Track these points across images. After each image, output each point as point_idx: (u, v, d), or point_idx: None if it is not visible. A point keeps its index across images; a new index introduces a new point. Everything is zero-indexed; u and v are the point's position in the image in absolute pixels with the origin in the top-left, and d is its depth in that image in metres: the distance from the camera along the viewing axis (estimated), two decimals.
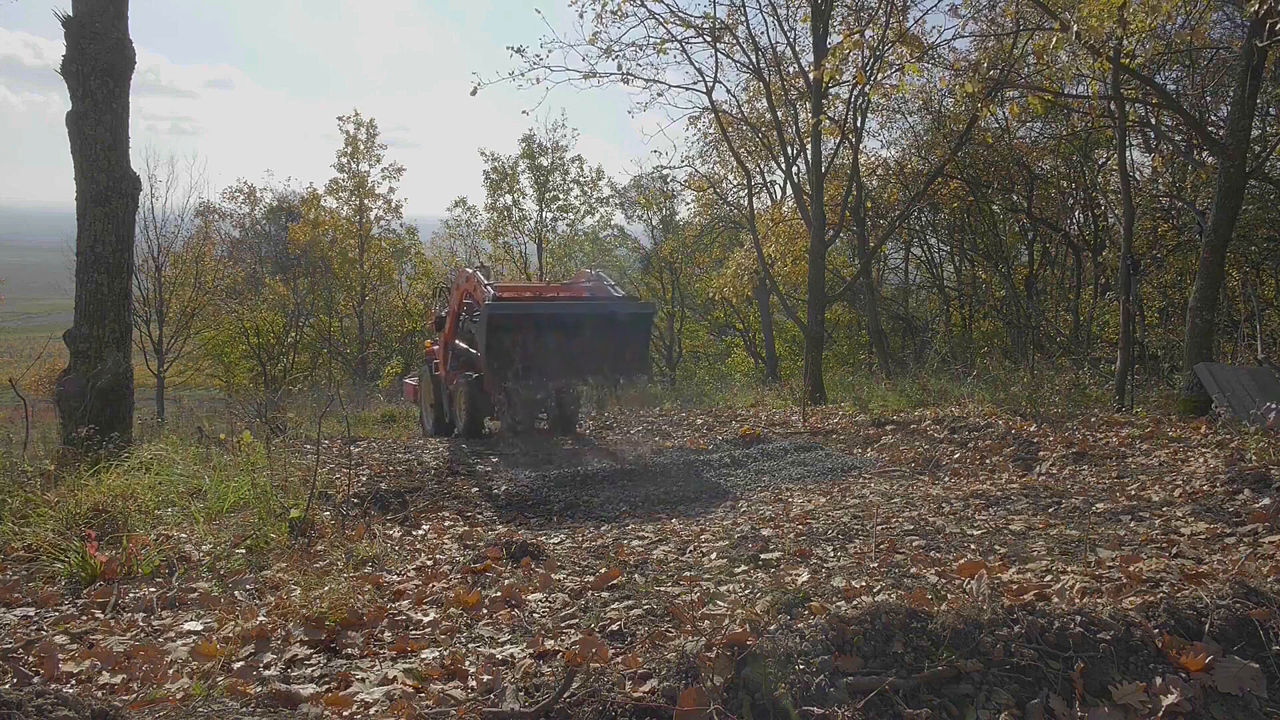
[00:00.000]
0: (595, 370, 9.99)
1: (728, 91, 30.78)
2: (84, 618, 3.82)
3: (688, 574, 4.29)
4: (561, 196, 34.05)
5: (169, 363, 28.72)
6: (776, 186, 26.30)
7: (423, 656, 3.21)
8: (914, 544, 4.69)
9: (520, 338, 9.24)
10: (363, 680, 3.01)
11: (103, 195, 7.72)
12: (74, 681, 3.06)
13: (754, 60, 17.86)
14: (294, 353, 33.17)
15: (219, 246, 35.73)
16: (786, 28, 18.30)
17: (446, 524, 6.16)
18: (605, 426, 11.83)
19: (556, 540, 5.51)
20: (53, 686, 2.77)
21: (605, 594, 3.96)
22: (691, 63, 30.95)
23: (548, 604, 3.85)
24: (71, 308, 7.94)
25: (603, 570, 4.33)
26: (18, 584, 4.25)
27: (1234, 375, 9.73)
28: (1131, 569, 3.60)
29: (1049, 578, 3.62)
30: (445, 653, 3.23)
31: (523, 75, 15.62)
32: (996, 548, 4.49)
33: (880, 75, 14.87)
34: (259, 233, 40.57)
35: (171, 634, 3.60)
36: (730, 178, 26.26)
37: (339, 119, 33.64)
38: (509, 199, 33.81)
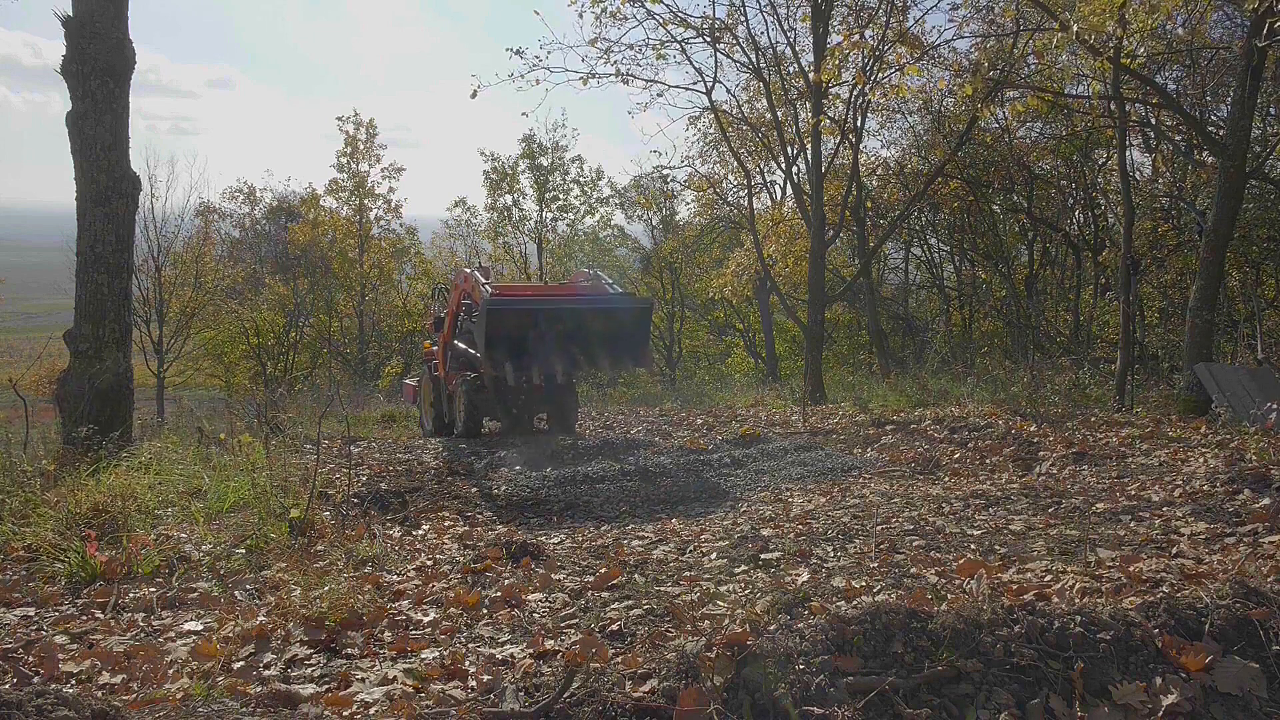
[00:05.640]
0: (596, 366, 10.00)
1: (728, 91, 30.69)
2: (84, 618, 3.83)
3: (688, 574, 4.29)
4: (561, 196, 34.05)
5: (169, 363, 28.74)
6: (776, 186, 26.31)
7: (423, 656, 3.21)
8: (914, 544, 4.69)
9: (519, 333, 9.24)
10: (363, 680, 3.01)
11: (103, 195, 7.72)
12: (74, 681, 3.06)
13: (754, 60, 17.86)
14: (294, 353, 33.17)
15: (219, 246, 35.80)
16: (786, 28, 18.31)
17: (446, 524, 6.16)
18: (605, 427, 11.83)
19: (556, 540, 5.51)
20: (53, 686, 2.77)
21: (605, 594, 3.96)
22: (691, 63, 30.83)
23: (548, 604, 3.85)
24: (71, 308, 7.95)
25: (603, 570, 4.33)
26: (18, 584, 4.26)
27: (1234, 375, 9.73)
28: (1131, 569, 3.59)
29: (1049, 578, 3.62)
30: (445, 653, 3.23)
31: (522, 77, 15.65)
32: (996, 548, 4.49)
33: (880, 75, 14.87)
34: (259, 233, 40.61)
35: (171, 634, 3.60)
36: (730, 178, 26.24)
37: (338, 119, 33.73)
38: (509, 199, 33.83)
